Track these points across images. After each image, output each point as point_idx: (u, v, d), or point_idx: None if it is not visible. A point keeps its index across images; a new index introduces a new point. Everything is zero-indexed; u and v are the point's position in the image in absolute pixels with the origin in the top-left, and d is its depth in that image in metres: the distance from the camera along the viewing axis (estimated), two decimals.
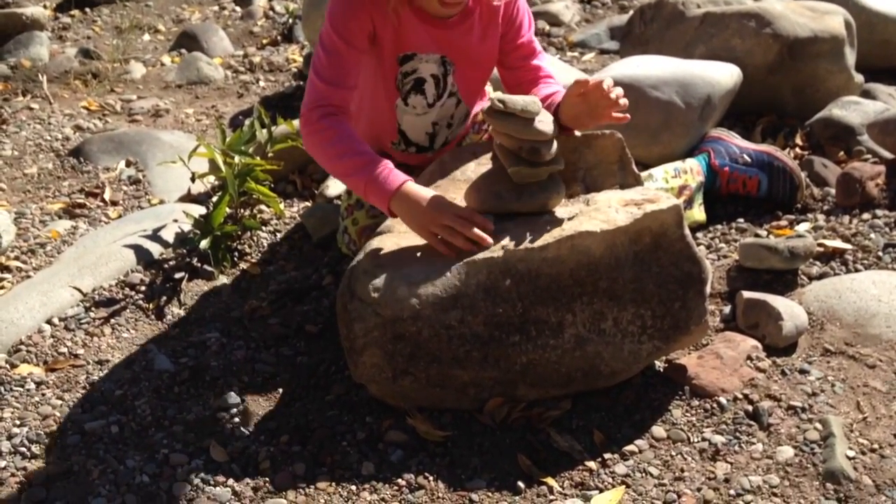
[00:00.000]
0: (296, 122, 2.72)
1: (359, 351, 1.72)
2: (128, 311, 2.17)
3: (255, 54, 4.28)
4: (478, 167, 1.99)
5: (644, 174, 2.34)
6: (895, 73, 3.30)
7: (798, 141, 2.78)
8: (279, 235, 2.56)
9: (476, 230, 1.70)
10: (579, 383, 1.77)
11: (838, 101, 2.84)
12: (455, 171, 2.00)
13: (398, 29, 1.94)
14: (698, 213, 2.42)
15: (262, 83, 3.95)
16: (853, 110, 2.77)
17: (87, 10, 4.99)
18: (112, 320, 2.13)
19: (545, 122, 1.74)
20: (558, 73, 3.03)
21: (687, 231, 1.77)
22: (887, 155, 2.59)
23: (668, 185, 2.34)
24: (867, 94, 3.01)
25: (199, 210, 2.51)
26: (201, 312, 2.19)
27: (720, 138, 2.56)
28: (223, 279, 2.33)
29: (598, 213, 1.75)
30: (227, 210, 2.41)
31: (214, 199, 2.43)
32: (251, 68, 4.12)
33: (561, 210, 1.80)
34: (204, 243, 2.32)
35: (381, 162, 1.81)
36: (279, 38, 4.56)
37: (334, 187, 2.72)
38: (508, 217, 1.78)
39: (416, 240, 1.79)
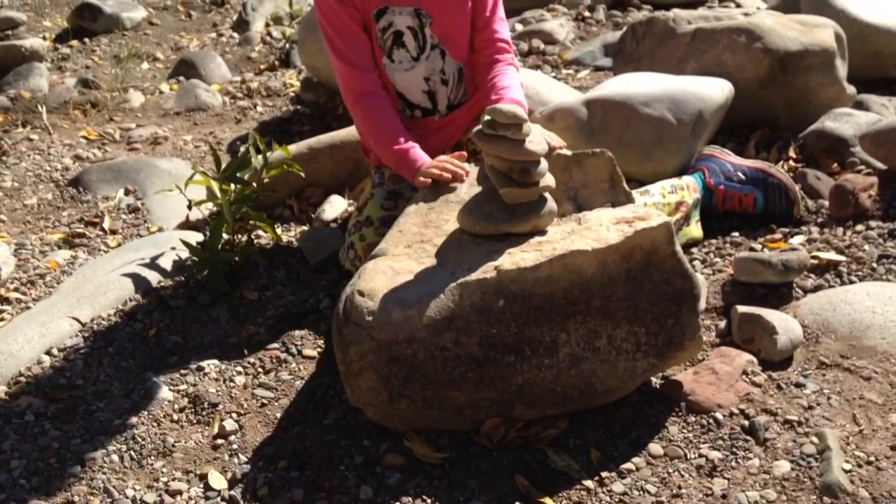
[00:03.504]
0: (291, 147, 2.74)
1: (355, 374, 1.73)
2: (126, 339, 2.18)
3: (252, 80, 4.32)
4: (470, 188, 2.00)
5: (641, 190, 2.35)
6: (887, 83, 3.32)
7: (791, 154, 2.79)
8: (276, 260, 2.57)
9: (451, 165, 2.04)
10: (575, 402, 1.78)
11: (831, 113, 2.85)
12: (448, 193, 2.02)
13: None
14: (695, 229, 2.42)
15: (259, 108, 3.98)
16: (846, 122, 2.78)
17: (86, 40, 5.03)
18: (111, 349, 2.14)
19: (535, 143, 1.76)
20: (553, 91, 3.07)
21: (678, 247, 1.78)
22: (880, 166, 2.60)
23: (665, 200, 2.35)
24: (860, 106, 3.01)
25: (196, 237, 2.52)
26: (199, 339, 2.20)
27: (713, 156, 2.57)
28: (221, 306, 2.34)
29: (590, 231, 1.76)
30: (224, 236, 2.43)
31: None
32: (249, 94, 4.15)
33: (553, 229, 1.81)
34: (201, 270, 2.33)
35: (411, 148, 2.14)
36: (276, 63, 4.60)
37: (330, 211, 2.74)
38: (501, 238, 1.79)
39: (410, 262, 1.80)
